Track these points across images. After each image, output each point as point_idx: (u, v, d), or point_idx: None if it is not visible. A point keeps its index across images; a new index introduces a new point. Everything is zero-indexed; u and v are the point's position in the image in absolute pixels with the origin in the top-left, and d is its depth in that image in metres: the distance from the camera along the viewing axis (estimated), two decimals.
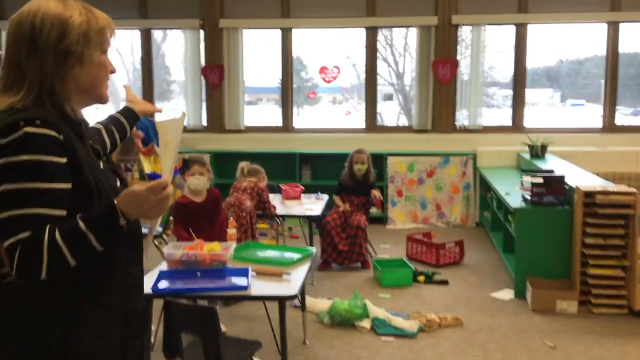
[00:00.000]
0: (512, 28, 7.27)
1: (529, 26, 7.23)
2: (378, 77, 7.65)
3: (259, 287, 3.10)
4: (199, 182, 3.97)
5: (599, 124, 7.33)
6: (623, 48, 7.18)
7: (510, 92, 7.51)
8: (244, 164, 4.97)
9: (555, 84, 7.62)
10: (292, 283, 3.15)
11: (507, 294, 4.78)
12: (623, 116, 7.39)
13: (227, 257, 3.30)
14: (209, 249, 3.36)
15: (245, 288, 3.03)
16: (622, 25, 7.09)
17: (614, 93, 7.21)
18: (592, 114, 7.53)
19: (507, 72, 7.58)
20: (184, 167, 4.04)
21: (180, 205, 3.97)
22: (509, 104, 7.53)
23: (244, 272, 3.20)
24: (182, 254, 3.33)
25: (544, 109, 7.48)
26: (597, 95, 7.45)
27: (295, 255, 3.59)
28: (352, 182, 5.65)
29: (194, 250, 3.37)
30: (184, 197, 4.01)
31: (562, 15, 7.09)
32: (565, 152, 6.70)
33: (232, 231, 3.79)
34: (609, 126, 7.28)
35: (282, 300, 3.03)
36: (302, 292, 3.48)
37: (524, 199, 4.82)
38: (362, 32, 7.53)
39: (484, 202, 6.98)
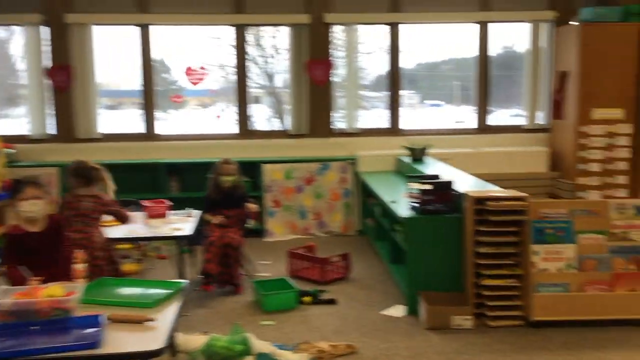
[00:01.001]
0: (385, 28, 7.04)
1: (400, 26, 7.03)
2: (249, 79, 7.11)
3: (115, 340, 2.44)
4: (35, 209, 3.18)
5: (472, 125, 7.30)
6: (494, 49, 7.20)
7: (381, 94, 7.28)
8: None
9: (414, 85, 7.56)
10: (157, 332, 2.53)
11: (399, 311, 4.43)
12: (498, 116, 7.41)
13: (72, 304, 2.62)
14: (48, 294, 2.66)
15: (94, 345, 2.37)
16: (491, 26, 7.10)
17: (486, 94, 7.21)
18: (449, 115, 7.52)
19: (378, 74, 7.36)
20: (15, 189, 3.24)
21: (12, 238, 3.17)
22: (383, 106, 7.29)
23: (94, 322, 2.53)
24: (13, 302, 2.60)
25: (410, 111, 7.38)
26: (454, 96, 7.47)
27: (162, 292, 2.97)
28: (220, 194, 5.09)
29: (29, 296, 2.66)
30: (16, 227, 3.21)
31: (433, 15, 6.96)
32: (442, 155, 6.56)
33: (79, 266, 3.07)
34: (482, 127, 7.26)
35: (143, 358, 2.39)
36: (172, 337, 2.86)
37: (412, 208, 4.50)
38: (231, 30, 6.95)
39: (366, 209, 6.67)
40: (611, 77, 6.45)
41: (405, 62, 7.24)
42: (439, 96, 7.79)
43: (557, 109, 6.91)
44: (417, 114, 7.62)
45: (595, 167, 6.56)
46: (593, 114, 6.50)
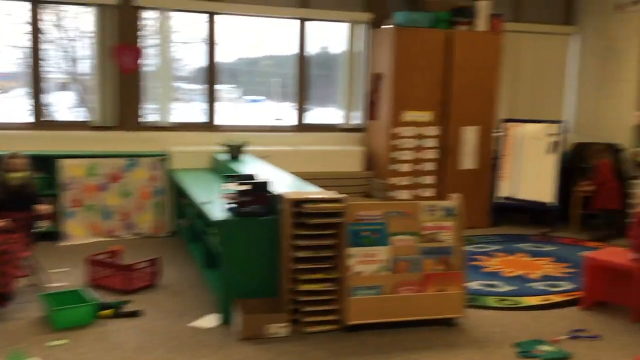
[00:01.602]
0: (203, 17, 6.65)
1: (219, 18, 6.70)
2: (47, 63, 6.30)
3: None
4: None
5: (291, 122, 7.19)
6: (313, 48, 7.15)
7: (198, 87, 6.88)
8: None
9: (234, 80, 7.29)
10: None
11: (212, 321, 4.11)
12: (316, 114, 7.37)
13: None
14: None
15: None
16: (311, 24, 7.04)
17: (305, 92, 7.15)
18: (269, 111, 7.33)
19: (195, 65, 6.95)
20: None
21: None
22: (199, 99, 6.90)
23: None
24: None
25: (229, 106, 7.08)
26: (274, 92, 7.32)
27: None
28: (6, 194, 4.41)
29: None
30: None
31: (253, 7, 6.73)
32: (261, 152, 6.36)
33: None
34: (301, 125, 7.19)
35: None
36: None
37: (228, 209, 4.20)
38: (26, 6, 6.11)
39: (179, 209, 6.23)
40: (421, 81, 6.71)
41: (226, 55, 6.93)
42: (259, 92, 7.57)
43: (372, 110, 7.05)
44: (236, 110, 7.33)
45: (405, 167, 6.80)
46: (404, 116, 6.72)
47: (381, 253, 4.04)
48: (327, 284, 3.99)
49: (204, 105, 6.84)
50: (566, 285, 5.09)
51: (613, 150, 7.16)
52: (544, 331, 4.13)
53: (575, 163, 7.30)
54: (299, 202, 3.95)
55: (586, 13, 7.86)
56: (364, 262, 4.01)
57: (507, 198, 7.27)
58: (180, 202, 6.08)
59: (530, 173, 7.16)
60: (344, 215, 3.97)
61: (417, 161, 6.84)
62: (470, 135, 6.98)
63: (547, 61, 7.99)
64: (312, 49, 7.17)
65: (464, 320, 4.20)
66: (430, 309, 4.09)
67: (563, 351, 3.77)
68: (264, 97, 7.56)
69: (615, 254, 4.67)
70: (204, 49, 6.73)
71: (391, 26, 6.64)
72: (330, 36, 7.28)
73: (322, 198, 4.02)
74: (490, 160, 7.19)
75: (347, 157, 6.97)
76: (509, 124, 7.37)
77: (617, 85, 7.38)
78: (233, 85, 7.43)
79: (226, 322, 4.05)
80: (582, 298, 4.64)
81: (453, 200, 4.22)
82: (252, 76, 7.39)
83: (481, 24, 6.91)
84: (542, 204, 7.08)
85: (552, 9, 7.96)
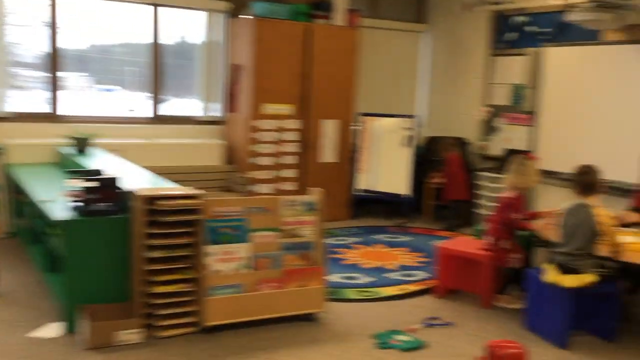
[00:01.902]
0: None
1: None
2: None
3: None
4: None
5: (146, 114, 6.81)
6: (170, 36, 6.81)
7: (40, 75, 6.29)
8: None
9: (86, 68, 6.75)
10: None
11: (54, 330, 3.75)
12: (170, 106, 7.03)
13: None
14: None
15: None
16: (166, 11, 6.69)
17: (160, 82, 6.80)
18: (122, 101, 6.87)
19: (35, 51, 6.34)
20: None
21: None
22: (40, 87, 6.30)
23: None
24: None
25: (77, 95, 6.52)
26: (129, 82, 6.87)
27: None
28: None
29: None
30: None
31: None
32: (112, 146, 5.95)
33: None
34: (157, 117, 6.84)
35: None
36: None
37: (73, 208, 3.85)
38: None
39: (19, 208, 5.66)
40: (281, 73, 6.64)
41: (75, 41, 6.38)
42: (113, 81, 7.07)
43: (231, 102, 6.87)
44: (85, 99, 6.78)
45: (266, 160, 6.70)
46: (264, 108, 6.61)
47: (241, 250, 3.91)
48: (184, 284, 3.79)
49: (48, 94, 6.27)
50: (421, 275, 5.28)
51: (461, 143, 7.56)
52: (400, 321, 4.22)
53: (428, 156, 7.63)
54: (152, 199, 3.71)
55: (436, 12, 8.23)
56: (222, 260, 3.86)
57: (365, 190, 7.43)
58: (18, 200, 5.53)
59: (387, 166, 7.37)
60: (200, 212, 3.78)
61: (277, 154, 6.78)
62: (330, 129, 7.04)
63: (402, 57, 8.28)
64: (169, 37, 6.82)
65: (325, 314, 4.19)
66: (291, 305, 4.03)
67: (419, 340, 3.88)
68: (117, 87, 7.08)
69: (465, 243, 4.91)
70: (45, 33, 6.15)
71: (250, 17, 6.50)
72: (189, 25, 6.97)
73: (177, 194, 3.80)
74: (349, 154, 7.30)
75: (206, 151, 6.74)
76: (367, 118, 7.53)
77: (465, 81, 7.81)
78: (84, 74, 6.88)
79: (71, 330, 3.71)
80: (436, 287, 4.83)
81: (313, 195, 4.18)
82: (105, 64, 6.88)
83: (339, 18, 6.98)
84: (398, 196, 7.32)
85: (406, 7, 8.24)
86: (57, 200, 4.12)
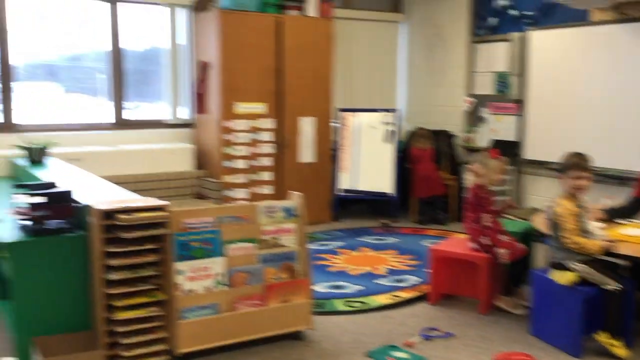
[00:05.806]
0: None
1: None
2: None
3: None
4: None
5: (108, 120, 6.32)
6: (131, 36, 6.33)
7: None
8: None
9: (54, 77, 6.24)
10: None
11: None
12: (131, 111, 6.54)
13: None
14: None
15: None
16: (126, 7, 6.22)
17: (123, 85, 6.32)
18: (83, 107, 6.37)
19: None
20: None
21: None
22: None
23: None
24: None
25: (33, 102, 6.01)
26: (95, 89, 6.37)
27: None
28: None
29: None
30: None
31: None
32: (71, 155, 5.47)
33: None
34: (120, 122, 6.36)
35: None
36: None
37: (21, 227, 3.38)
38: None
39: None
40: (252, 69, 6.22)
41: (31, 44, 5.88)
42: (74, 87, 6.55)
43: (200, 103, 6.42)
44: (42, 106, 6.26)
45: (241, 164, 6.27)
46: (236, 108, 6.18)
47: (215, 265, 3.49)
48: (151, 308, 3.34)
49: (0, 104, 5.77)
50: (412, 280, 4.89)
51: (447, 136, 7.21)
52: (395, 333, 3.84)
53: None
54: (110, 213, 3.26)
55: (412, 0, 7.85)
56: (195, 278, 3.43)
57: (347, 190, 7.03)
58: None
59: (369, 163, 6.99)
60: (167, 225, 3.34)
61: (252, 156, 6.34)
62: (307, 127, 6.63)
63: (379, 49, 7.88)
64: (131, 36, 6.33)
65: (312, 331, 3.78)
66: (274, 324, 3.61)
67: (418, 356, 3.49)
68: (79, 93, 6.57)
69: (459, 244, 4.53)
70: None
71: (216, 10, 6.05)
72: (151, 22, 6.49)
73: (140, 207, 3.35)
74: (330, 152, 6.90)
75: (175, 156, 6.26)
76: (346, 114, 7.14)
77: (446, 71, 7.45)
78: (41, 80, 6.37)
79: None
80: (430, 292, 4.44)
81: (293, 199, 3.77)
82: (66, 69, 6.36)
83: (311, 9, 6.57)
84: (382, 194, 6.94)
85: None
86: (6, 220, 3.65)
